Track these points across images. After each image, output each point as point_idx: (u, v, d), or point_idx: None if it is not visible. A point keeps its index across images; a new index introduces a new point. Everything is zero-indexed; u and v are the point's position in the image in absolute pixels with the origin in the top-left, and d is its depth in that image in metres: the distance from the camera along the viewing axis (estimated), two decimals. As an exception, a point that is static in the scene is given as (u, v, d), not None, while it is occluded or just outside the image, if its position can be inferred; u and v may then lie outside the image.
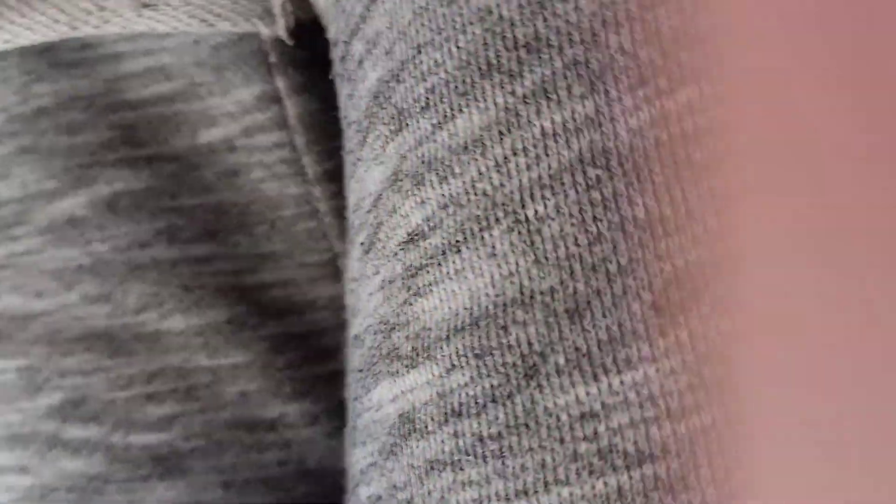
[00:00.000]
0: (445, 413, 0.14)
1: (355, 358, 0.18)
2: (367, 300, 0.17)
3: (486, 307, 0.14)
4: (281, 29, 0.21)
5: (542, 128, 0.13)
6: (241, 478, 0.22)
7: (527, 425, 0.13)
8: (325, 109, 0.21)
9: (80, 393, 0.22)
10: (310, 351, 0.22)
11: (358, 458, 0.18)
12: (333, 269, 0.22)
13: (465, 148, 0.14)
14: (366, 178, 0.17)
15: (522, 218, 0.13)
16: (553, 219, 0.13)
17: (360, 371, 0.17)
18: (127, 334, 0.22)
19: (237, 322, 0.22)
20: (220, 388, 0.22)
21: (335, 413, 0.22)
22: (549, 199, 0.13)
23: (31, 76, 0.22)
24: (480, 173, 0.14)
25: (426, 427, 0.15)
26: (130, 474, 0.21)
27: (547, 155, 0.13)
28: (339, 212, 0.22)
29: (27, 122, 0.22)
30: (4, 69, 0.22)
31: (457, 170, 0.14)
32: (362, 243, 0.17)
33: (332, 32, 0.18)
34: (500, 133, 0.14)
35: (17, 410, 0.22)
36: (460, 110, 0.14)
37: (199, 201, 0.22)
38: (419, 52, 0.14)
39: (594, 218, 0.13)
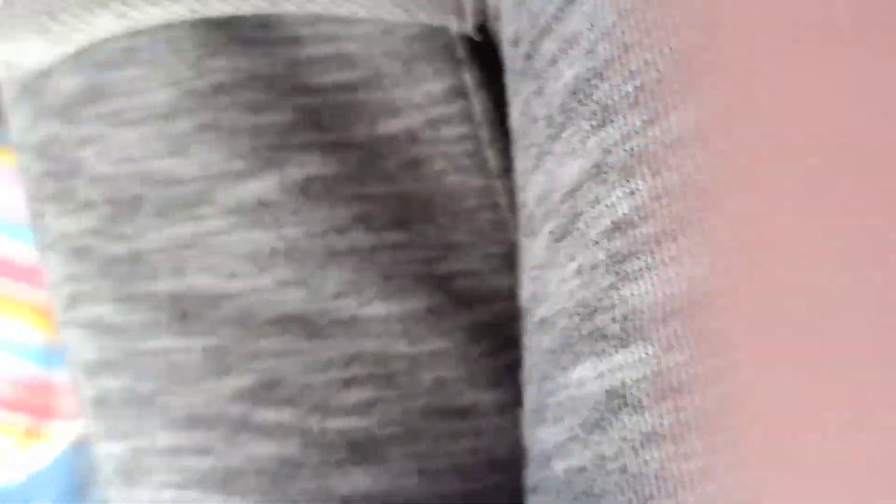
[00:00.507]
0: (662, 389, 0.14)
1: (544, 340, 0.18)
2: (557, 285, 0.17)
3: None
4: (470, 25, 0.21)
5: None
6: (435, 466, 0.21)
7: None
8: (502, 106, 0.21)
9: (273, 375, 0.21)
10: (500, 340, 0.22)
11: (550, 434, 0.18)
12: (512, 261, 0.22)
13: (680, 142, 0.14)
14: (557, 171, 0.17)
15: None
16: None
17: (553, 352, 0.17)
18: (324, 319, 0.21)
19: (436, 310, 0.22)
20: (417, 376, 0.22)
21: (521, 403, 0.22)
22: None
23: (205, 49, 0.21)
24: (698, 166, 0.14)
25: (640, 402, 0.15)
26: (325, 459, 0.21)
27: None
28: (515, 206, 0.22)
29: (204, 98, 0.21)
30: (175, 41, 0.21)
31: (671, 163, 0.14)
32: (552, 232, 0.17)
33: (511, 31, 0.18)
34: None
35: (202, 391, 0.22)
36: (674, 107, 0.14)
37: (385, 190, 0.22)
38: (626, 51, 0.14)
39: None
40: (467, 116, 0.22)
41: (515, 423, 0.21)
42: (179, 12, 0.21)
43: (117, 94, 0.22)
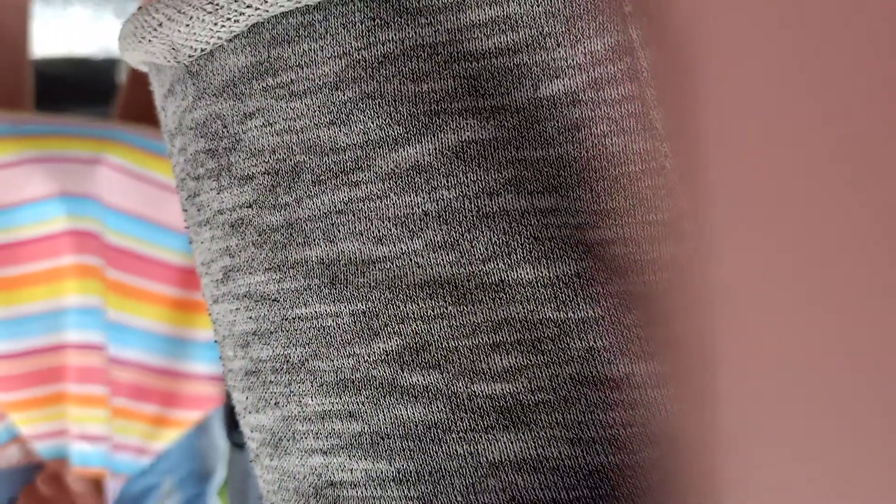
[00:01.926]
0: None
1: None
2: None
3: None
4: None
5: None
6: (587, 436, 0.21)
7: None
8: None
9: (420, 339, 0.21)
10: (653, 311, 0.21)
11: None
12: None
13: None
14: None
15: None
16: None
17: None
18: (472, 283, 0.21)
19: (585, 276, 0.21)
20: (566, 342, 0.21)
21: (678, 378, 0.21)
22: None
23: (375, 22, 0.21)
24: None
25: None
26: (473, 424, 0.21)
27: None
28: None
29: (371, 68, 0.22)
30: (346, 14, 0.22)
31: None
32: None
33: None
34: None
35: (350, 355, 0.22)
36: None
37: (541, 154, 0.21)
38: None
39: None
40: (633, 75, 0.21)
41: (671, 398, 0.21)
42: None
43: (286, 68, 0.22)
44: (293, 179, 0.22)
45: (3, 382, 1.01)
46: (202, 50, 0.24)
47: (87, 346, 1.03)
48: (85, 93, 1.78)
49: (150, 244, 1.04)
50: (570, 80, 0.21)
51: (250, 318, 0.24)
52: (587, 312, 0.21)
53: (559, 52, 0.21)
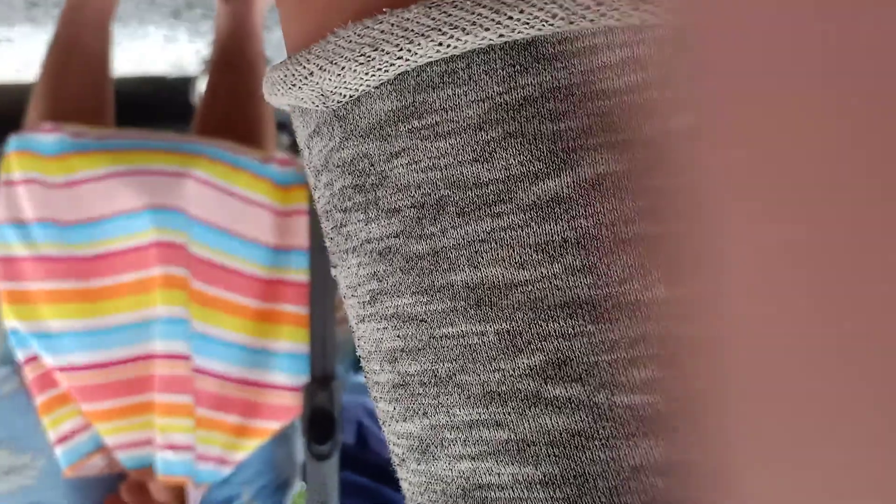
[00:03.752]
0: None
1: None
2: None
3: None
4: None
5: None
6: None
7: None
8: None
9: (562, 355, 0.23)
10: None
11: None
12: None
13: None
14: None
15: None
16: None
17: None
18: (610, 302, 0.23)
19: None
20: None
21: None
22: None
23: (515, 68, 0.23)
24: None
25: None
26: (615, 431, 0.23)
27: None
28: None
29: (512, 110, 0.23)
30: (488, 62, 0.23)
31: None
32: None
33: None
34: None
35: (496, 370, 0.24)
36: None
37: (670, 183, 0.22)
38: None
39: None
40: None
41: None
42: (490, 38, 0.23)
43: (431, 111, 0.24)
44: (438, 212, 0.24)
45: (89, 392, 1.03)
46: (350, 96, 0.26)
47: (174, 355, 1.04)
48: (160, 111, 1.83)
49: (233, 256, 1.06)
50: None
51: (398, 336, 0.26)
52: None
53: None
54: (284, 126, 1.72)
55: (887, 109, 0.10)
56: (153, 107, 1.84)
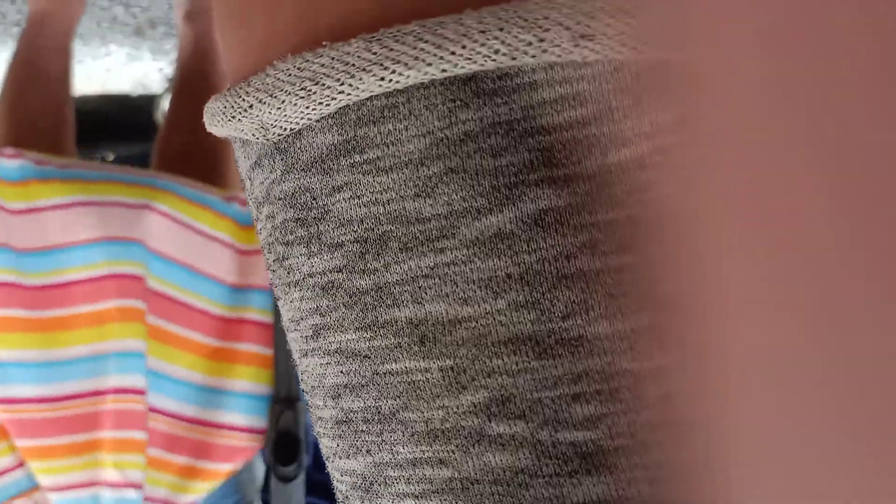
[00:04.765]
0: None
1: None
2: None
3: None
4: None
5: None
6: (666, 475, 0.22)
7: None
8: None
9: (506, 392, 0.23)
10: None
11: None
12: None
13: None
14: None
15: None
16: None
17: None
18: (553, 338, 0.23)
19: (658, 327, 0.23)
20: (642, 391, 0.22)
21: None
22: None
23: (455, 103, 0.23)
24: None
25: None
26: (558, 469, 0.22)
27: None
28: None
29: (453, 145, 0.23)
30: (429, 97, 0.23)
31: None
32: None
33: None
34: None
35: (440, 407, 0.24)
36: None
37: (613, 216, 0.23)
38: None
39: None
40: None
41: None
42: (432, 73, 0.23)
43: (373, 146, 0.24)
44: (381, 247, 0.24)
45: (32, 427, 0.98)
46: (291, 129, 0.25)
47: (129, 390, 1.00)
48: (123, 129, 1.81)
49: (191, 292, 1.03)
50: (637, 147, 0.23)
51: (341, 372, 0.25)
52: (662, 360, 0.23)
53: (626, 124, 0.23)
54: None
55: (869, 112, 0.10)
56: (116, 125, 1.83)
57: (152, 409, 1.02)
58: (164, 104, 1.74)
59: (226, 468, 1.06)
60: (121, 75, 1.78)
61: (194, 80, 1.35)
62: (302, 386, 0.29)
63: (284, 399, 1.03)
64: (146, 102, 1.82)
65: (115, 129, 1.82)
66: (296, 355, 0.28)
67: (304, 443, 1.02)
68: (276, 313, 1.04)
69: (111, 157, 1.81)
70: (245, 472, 1.12)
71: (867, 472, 0.11)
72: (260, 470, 1.13)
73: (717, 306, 0.15)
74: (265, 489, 1.11)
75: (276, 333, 1.04)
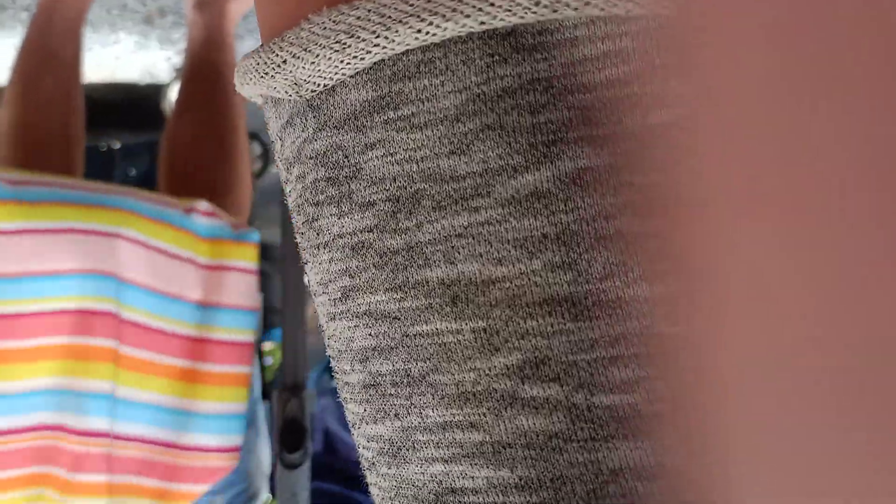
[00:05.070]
0: None
1: None
2: None
3: None
4: None
5: None
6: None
7: None
8: None
9: (541, 354, 0.22)
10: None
11: None
12: None
13: None
14: None
15: None
16: None
17: None
18: (590, 300, 0.22)
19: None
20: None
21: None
22: None
23: (494, 58, 0.23)
24: None
25: None
26: (593, 434, 0.22)
27: None
28: None
29: (490, 101, 0.23)
30: (466, 52, 0.23)
31: None
32: None
33: None
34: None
35: (471, 370, 0.23)
36: None
37: (652, 178, 0.22)
38: None
39: None
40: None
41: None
42: (470, 25, 0.22)
43: (407, 102, 0.23)
44: (414, 205, 0.23)
45: None
46: (325, 85, 0.25)
47: (91, 433, 0.98)
48: (131, 117, 1.81)
49: (160, 317, 1.01)
50: (678, 109, 0.22)
51: (370, 334, 0.25)
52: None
53: (669, 84, 0.22)
54: (256, 136, 1.71)
55: (885, 100, 0.10)
56: (123, 113, 1.82)
57: (124, 438, 1.00)
58: (172, 94, 1.74)
59: (199, 489, 1.05)
60: (129, 63, 1.78)
61: (203, 70, 1.34)
62: (328, 352, 0.28)
63: (291, 387, 1.02)
64: (153, 91, 1.81)
65: (121, 118, 1.81)
66: (323, 320, 0.28)
67: (310, 430, 1.01)
68: (286, 300, 1.03)
69: (117, 145, 1.80)
70: (252, 460, 1.12)
71: (867, 470, 0.11)
72: (267, 458, 1.13)
73: (719, 300, 0.15)
74: (272, 476, 1.10)
75: (284, 320, 1.03)
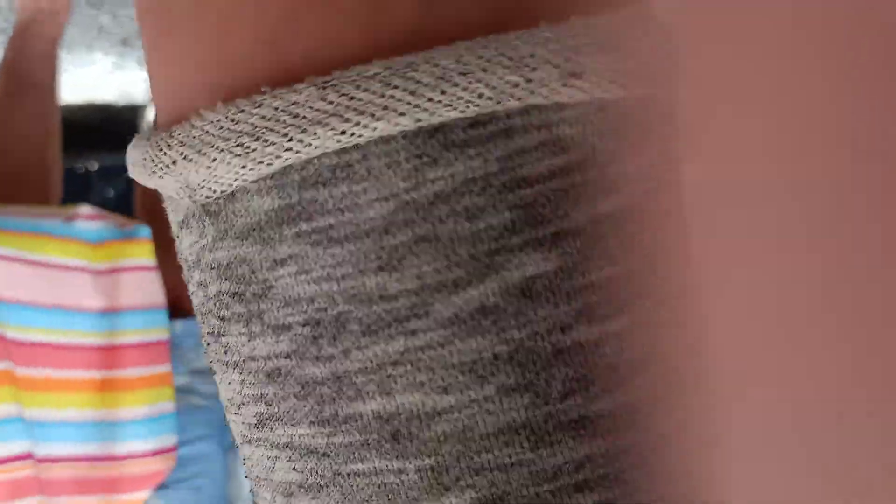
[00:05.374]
0: None
1: None
2: None
3: None
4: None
5: None
6: None
7: None
8: None
9: (498, 490, 0.20)
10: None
11: None
12: None
13: None
14: None
15: None
16: None
17: None
18: (550, 424, 0.20)
19: (661, 393, 0.20)
20: (649, 465, 0.20)
21: None
22: None
23: (422, 160, 0.20)
24: None
25: None
26: None
27: None
28: None
29: (422, 209, 0.20)
30: (389, 153, 0.20)
31: None
32: None
33: None
34: None
35: None
36: None
37: (609, 274, 0.20)
38: None
39: None
40: (679, 181, 0.21)
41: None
42: (403, 124, 0.20)
43: (323, 213, 0.20)
44: (338, 330, 0.21)
45: None
46: (222, 192, 0.21)
47: (10, 458, 0.95)
48: (106, 139, 1.80)
49: (56, 331, 0.98)
50: (625, 194, 0.21)
51: (294, 469, 0.22)
52: (666, 427, 0.20)
53: (613, 168, 0.20)
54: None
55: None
56: (101, 134, 1.82)
57: (50, 460, 0.97)
58: (149, 115, 1.74)
59: (140, 496, 1.02)
60: (106, 85, 1.77)
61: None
62: (245, 472, 0.25)
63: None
64: (131, 112, 1.81)
65: (99, 139, 1.81)
66: (237, 439, 0.24)
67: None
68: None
69: (95, 166, 1.79)
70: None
71: (867, 471, 0.11)
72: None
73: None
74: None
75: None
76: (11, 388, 0.95)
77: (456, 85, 0.19)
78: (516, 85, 0.20)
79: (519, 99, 0.20)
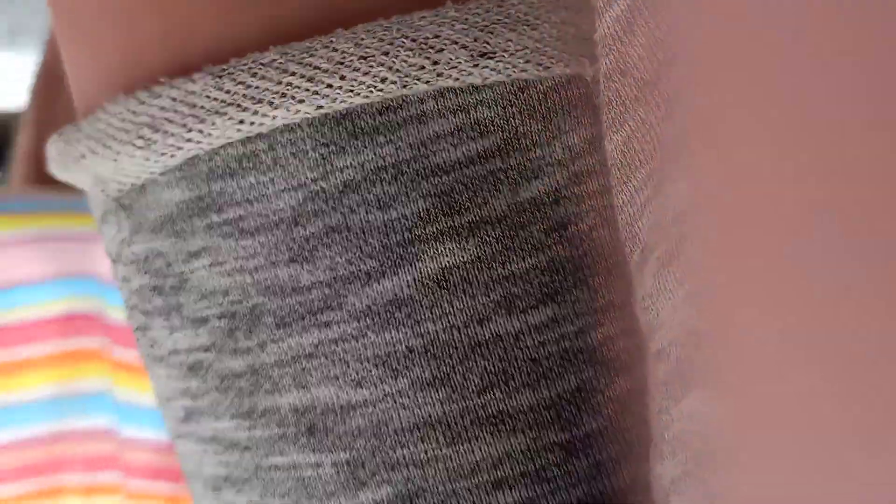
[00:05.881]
0: None
1: (659, 372, 0.18)
2: (668, 314, 0.17)
3: None
4: (601, 66, 0.20)
5: None
6: None
7: None
8: None
9: (414, 486, 0.20)
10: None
11: (667, 469, 0.18)
12: None
13: None
14: (673, 194, 0.16)
15: None
16: None
17: (666, 384, 0.17)
18: (467, 419, 0.20)
19: (587, 387, 0.20)
20: (573, 464, 0.20)
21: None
22: None
23: (329, 148, 0.19)
24: None
25: None
26: None
27: None
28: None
29: (332, 199, 0.20)
30: (295, 142, 0.20)
31: None
32: (659, 258, 0.17)
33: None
34: None
35: None
36: None
37: (531, 263, 0.20)
38: None
39: None
40: (606, 165, 0.21)
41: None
42: (305, 111, 0.19)
43: (232, 204, 0.20)
44: (253, 323, 0.20)
45: None
46: (132, 184, 0.21)
47: (94, 432, 0.96)
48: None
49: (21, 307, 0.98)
50: (550, 178, 0.20)
51: (220, 462, 0.22)
52: (591, 426, 0.20)
53: (536, 152, 0.20)
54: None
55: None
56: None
57: (130, 443, 0.98)
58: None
59: None
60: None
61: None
62: (181, 467, 0.25)
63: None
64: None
65: None
66: (169, 434, 0.24)
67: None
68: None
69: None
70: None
71: (867, 471, 0.10)
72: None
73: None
74: None
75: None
76: (103, 365, 0.97)
77: (356, 70, 0.19)
78: (422, 68, 0.19)
79: (427, 82, 0.19)
